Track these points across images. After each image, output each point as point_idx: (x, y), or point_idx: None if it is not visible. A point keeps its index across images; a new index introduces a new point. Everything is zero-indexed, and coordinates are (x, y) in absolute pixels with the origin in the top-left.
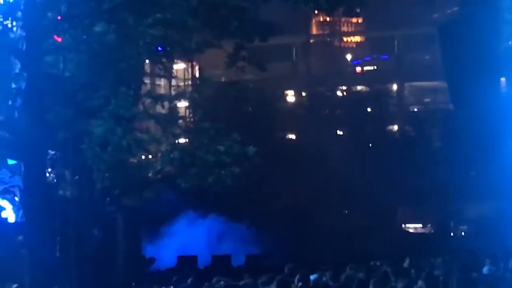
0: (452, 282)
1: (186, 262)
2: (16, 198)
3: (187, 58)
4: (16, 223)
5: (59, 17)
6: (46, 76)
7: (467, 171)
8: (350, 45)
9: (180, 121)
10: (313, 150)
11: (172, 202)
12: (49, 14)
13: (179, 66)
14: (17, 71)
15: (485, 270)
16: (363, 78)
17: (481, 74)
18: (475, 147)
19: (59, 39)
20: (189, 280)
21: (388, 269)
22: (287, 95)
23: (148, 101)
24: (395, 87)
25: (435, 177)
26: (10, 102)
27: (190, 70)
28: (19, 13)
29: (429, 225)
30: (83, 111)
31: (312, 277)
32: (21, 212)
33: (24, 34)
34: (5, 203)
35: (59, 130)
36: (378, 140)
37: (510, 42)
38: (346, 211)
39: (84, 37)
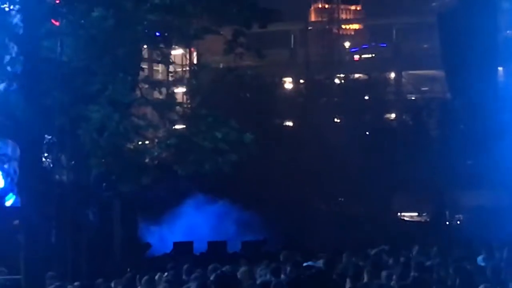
0: (446, 272)
1: (182, 248)
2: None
3: (185, 44)
4: (11, 207)
5: (57, 1)
6: (43, 60)
7: (463, 160)
8: (349, 33)
9: (178, 107)
10: (310, 137)
11: (169, 188)
12: None
13: (177, 52)
14: (13, 55)
15: (479, 260)
16: (361, 65)
17: (479, 63)
18: (472, 136)
19: (57, 24)
20: (184, 267)
21: (383, 257)
22: (284, 82)
23: (145, 86)
24: (393, 75)
25: (431, 165)
26: (6, 86)
27: (188, 56)
28: None
29: (425, 213)
30: (80, 96)
31: (306, 264)
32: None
33: (21, 18)
34: None
35: (56, 115)
36: (375, 128)
37: (508, 31)
38: (342, 199)
39: (82, 22)
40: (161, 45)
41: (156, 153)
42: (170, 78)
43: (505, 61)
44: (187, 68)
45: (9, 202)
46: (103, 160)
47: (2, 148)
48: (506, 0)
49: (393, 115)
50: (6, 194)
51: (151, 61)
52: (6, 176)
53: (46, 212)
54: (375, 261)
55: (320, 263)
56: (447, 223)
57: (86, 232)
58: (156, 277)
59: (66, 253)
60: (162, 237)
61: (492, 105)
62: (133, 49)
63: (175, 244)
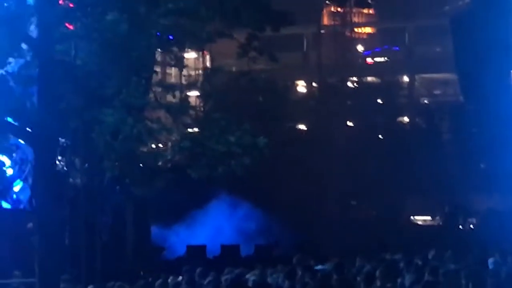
0: (460, 277)
1: (195, 251)
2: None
3: (199, 47)
4: (25, 210)
5: (71, 5)
6: (58, 64)
7: (477, 164)
8: (361, 36)
9: (191, 111)
10: (323, 140)
11: (182, 192)
12: (61, 1)
13: (190, 56)
14: (28, 58)
15: (490, 263)
16: (374, 69)
17: (492, 67)
18: (485, 139)
19: (71, 27)
20: (198, 270)
21: (396, 261)
22: (297, 85)
23: (159, 90)
24: (405, 78)
25: (444, 169)
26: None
27: (201, 59)
28: (31, 0)
29: (437, 217)
30: (95, 99)
31: (319, 267)
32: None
33: (36, 21)
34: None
35: (70, 119)
36: (388, 131)
37: None
38: (355, 202)
39: (96, 25)
40: (175, 49)
41: (169, 157)
42: (184, 82)
43: None
44: (200, 72)
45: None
46: (116, 164)
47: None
48: None
49: (406, 119)
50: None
51: (164, 64)
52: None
53: (61, 215)
54: (387, 265)
55: (331, 266)
56: (460, 226)
57: (100, 235)
58: (169, 280)
59: (80, 256)
60: (176, 240)
61: (506, 109)
62: (146, 52)
63: (188, 247)
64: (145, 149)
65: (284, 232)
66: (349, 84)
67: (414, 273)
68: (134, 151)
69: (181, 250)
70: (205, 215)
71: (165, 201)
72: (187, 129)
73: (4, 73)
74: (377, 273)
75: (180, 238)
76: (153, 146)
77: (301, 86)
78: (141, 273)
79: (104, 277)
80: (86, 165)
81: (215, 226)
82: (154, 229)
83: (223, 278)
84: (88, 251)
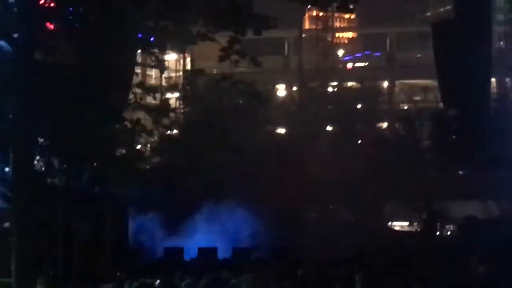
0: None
1: (173, 254)
2: None
3: (180, 49)
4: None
5: (52, 5)
6: (38, 64)
7: (455, 170)
8: (342, 41)
9: (171, 113)
10: (302, 145)
11: (162, 193)
12: (42, 1)
13: (171, 58)
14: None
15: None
16: (355, 74)
17: (472, 74)
18: (464, 146)
19: (52, 27)
20: (176, 273)
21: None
22: (278, 89)
23: (139, 91)
24: (386, 84)
25: (423, 175)
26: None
27: (182, 62)
28: None
29: (416, 223)
30: (75, 100)
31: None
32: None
33: (17, 20)
34: None
35: (50, 119)
36: (368, 136)
37: (501, 42)
38: (334, 207)
39: (77, 25)
40: (156, 50)
41: (149, 158)
42: (164, 84)
43: (498, 72)
44: (181, 74)
45: None
46: (95, 165)
47: None
48: (500, 11)
49: (385, 124)
50: None
51: (145, 66)
52: None
53: (38, 215)
54: (365, 270)
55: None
56: (438, 233)
57: (78, 236)
58: (147, 282)
59: (58, 257)
60: (154, 242)
61: (485, 116)
62: (128, 54)
63: (166, 249)
64: (124, 151)
65: (264, 235)
66: (330, 88)
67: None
68: (113, 153)
69: (160, 252)
70: (183, 216)
71: (145, 202)
72: (167, 130)
73: None
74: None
75: (158, 240)
76: (133, 147)
77: (282, 90)
78: (118, 274)
79: (81, 279)
80: (65, 166)
81: (193, 227)
82: (133, 231)
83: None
84: (66, 252)
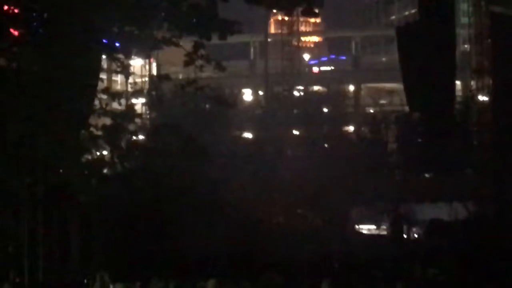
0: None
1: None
2: None
3: (145, 55)
4: None
5: (16, 11)
6: (2, 69)
7: (421, 173)
8: (308, 45)
9: (137, 118)
10: (268, 149)
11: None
12: (6, 7)
13: (136, 63)
14: None
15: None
16: (320, 78)
17: (437, 77)
18: (429, 149)
19: (16, 33)
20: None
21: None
22: (244, 93)
23: (105, 97)
24: (351, 88)
25: (389, 177)
26: None
27: (147, 67)
28: None
29: (382, 226)
30: (40, 106)
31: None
32: None
33: None
34: None
35: (14, 125)
36: (334, 140)
37: (466, 46)
38: (300, 211)
39: (41, 31)
40: (121, 56)
41: (114, 164)
42: (130, 89)
43: (462, 74)
44: (147, 79)
45: None
46: (61, 171)
47: None
48: (463, 14)
49: (351, 128)
50: None
51: (110, 71)
52: None
53: (4, 223)
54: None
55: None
56: (405, 235)
57: (41, 242)
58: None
59: (23, 264)
60: (121, 248)
61: (450, 119)
62: (92, 59)
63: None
64: (90, 157)
65: (227, 241)
66: (295, 92)
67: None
68: (79, 158)
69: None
70: (147, 221)
71: (111, 208)
72: (132, 136)
73: None
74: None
75: (126, 246)
76: (99, 153)
77: (247, 94)
78: (85, 282)
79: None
80: (29, 172)
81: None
82: (102, 236)
83: None
84: (30, 258)
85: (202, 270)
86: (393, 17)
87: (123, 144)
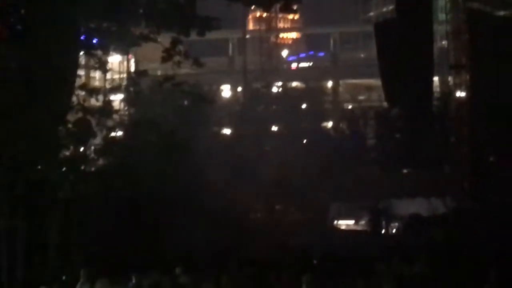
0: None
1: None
2: None
3: (123, 51)
4: None
5: None
6: None
7: (399, 169)
8: (286, 42)
9: (115, 114)
10: (247, 145)
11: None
12: None
13: (114, 59)
14: None
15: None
16: (299, 74)
17: (415, 73)
18: (407, 145)
19: None
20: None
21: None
22: (223, 90)
23: (82, 94)
24: (330, 84)
25: (368, 174)
26: None
27: (125, 63)
28: None
29: (361, 221)
30: (17, 103)
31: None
32: None
33: None
34: None
35: None
36: (313, 136)
37: (443, 42)
38: (279, 207)
39: (19, 28)
40: (99, 52)
41: (93, 160)
42: (108, 86)
43: (440, 71)
44: (125, 76)
45: None
46: (39, 167)
47: None
48: (441, 10)
49: (330, 124)
50: None
51: (88, 67)
52: None
53: None
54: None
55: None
56: (383, 231)
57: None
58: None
59: (2, 262)
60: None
61: (428, 115)
62: (70, 56)
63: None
64: (68, 153)
65: (206, 236)
66: (274, 89)
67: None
68: (57, 155)
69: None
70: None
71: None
72: (110, 132)
73: None
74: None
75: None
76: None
77: (226, 90)
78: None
79: (24, 285)
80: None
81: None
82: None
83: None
84: (10, 257)
85: (181, 266)
86: (371, 13)
87: (100, 140)
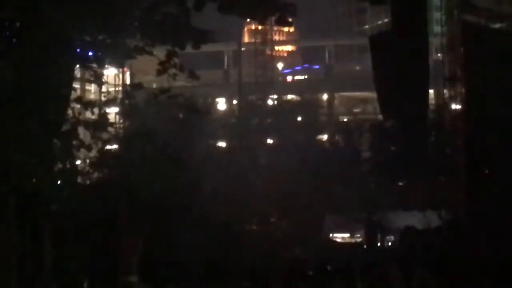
0: None
1: None
2: None
3: (118, 64)
4: None
5: None
6: None
7: (394, 181)
8: (282, 54)
9: (110, 127)
10: (242, 158)
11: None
12: None
13: (110, 72)
14: None
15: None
16: (294, 87)
17: (410, 86)
18: (403, 157)
19: None
20: None
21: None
22: (218, 102)
23: (77, 106)
24: (325, 96)
25: (363, 186)
26: None
27: (121, 76)
28: None
29: (356, 234)
30: (12, 115)
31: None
32: None
33: None
34: None
35: None
36: (308, 149)
37: (439, 55)
38: (274, 219)
39: (14, 40)
40: (94, 65)
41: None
42: (103, 98)
43: (435, 84)
44: (120, 88)
45: None
46: (34, 180)
47: None
48: (436, 23)
49: (325, 136)
50: None
51: (83, 80)
52: None
53: None
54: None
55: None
56: (379, 244)
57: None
58: None
59: None
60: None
61: (423, 127)
62: (65, 68)
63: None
64: (62, 166)
65: (199, 248)
66: (269, 101)
67: None
68: (52, 168)
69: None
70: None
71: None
72: (106, 145)
73: None
74: None
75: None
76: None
77: (222, 103)
78: None
79: None
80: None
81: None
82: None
83: None
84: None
85: (173, 277)
86: (366, 26)
87: (95, 152)
